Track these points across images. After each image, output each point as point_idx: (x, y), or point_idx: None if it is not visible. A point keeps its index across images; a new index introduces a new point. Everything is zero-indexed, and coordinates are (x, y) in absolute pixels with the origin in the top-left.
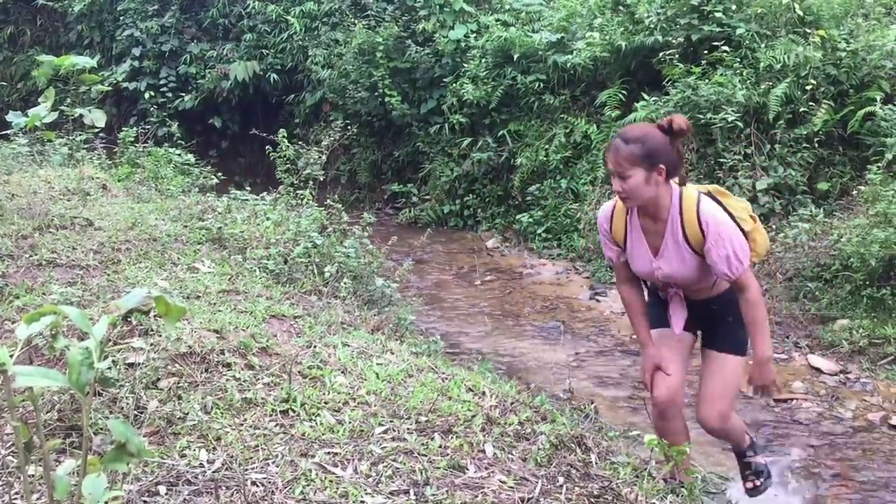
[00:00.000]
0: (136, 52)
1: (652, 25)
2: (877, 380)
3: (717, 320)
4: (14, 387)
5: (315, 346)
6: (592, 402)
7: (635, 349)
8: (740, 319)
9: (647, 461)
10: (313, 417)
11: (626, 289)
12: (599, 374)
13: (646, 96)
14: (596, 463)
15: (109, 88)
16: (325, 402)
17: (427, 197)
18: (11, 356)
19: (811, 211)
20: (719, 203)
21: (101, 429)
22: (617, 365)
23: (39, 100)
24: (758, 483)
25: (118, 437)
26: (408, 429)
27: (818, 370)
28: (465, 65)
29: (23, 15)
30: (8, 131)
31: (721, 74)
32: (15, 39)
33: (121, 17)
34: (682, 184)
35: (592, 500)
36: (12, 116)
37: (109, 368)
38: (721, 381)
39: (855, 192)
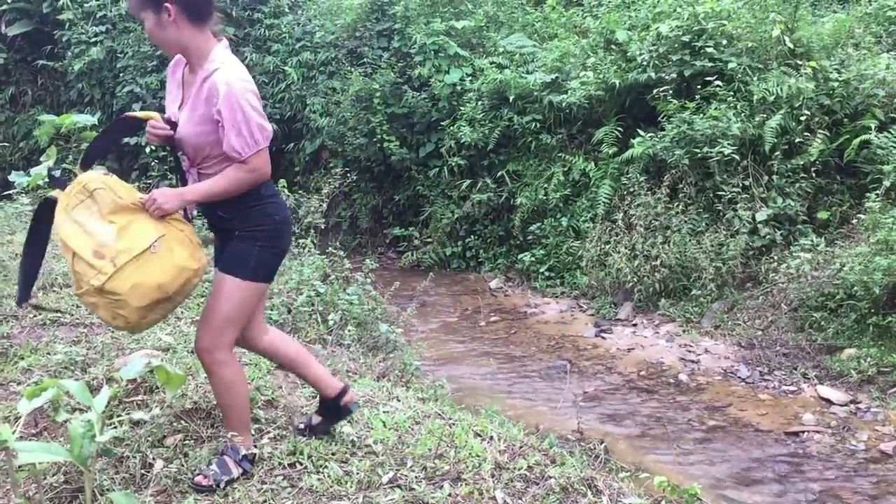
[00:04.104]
0: (137, 107)
1: (644, 63)
2: (887, 409)
3: (227, 234)
4: (17, 463)
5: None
6: (602, 442)
7: (644, 385)
8: (252, 237)
9: (659, 502)
10: (321, 470)
11: None
12: (608, 413)
13: (642, 132)
14: None
15: None
16: (332, 454)
17: (429, 240)
18: (14, 431)
19: (812, 240)
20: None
21: (107, 490)
22: (626, 402)
23: (41, 158)
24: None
25: None
26: (416, 477)
27: (828, 401)
28: (462, 108)
29: (24, 75)
30: (11, 191)
31: (715, 108)
32: (16, 100)
33: (120, 74)
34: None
35: None
36: (15, 176)
37: (115, 429)
38: (212, 302)
39: (855, 220)
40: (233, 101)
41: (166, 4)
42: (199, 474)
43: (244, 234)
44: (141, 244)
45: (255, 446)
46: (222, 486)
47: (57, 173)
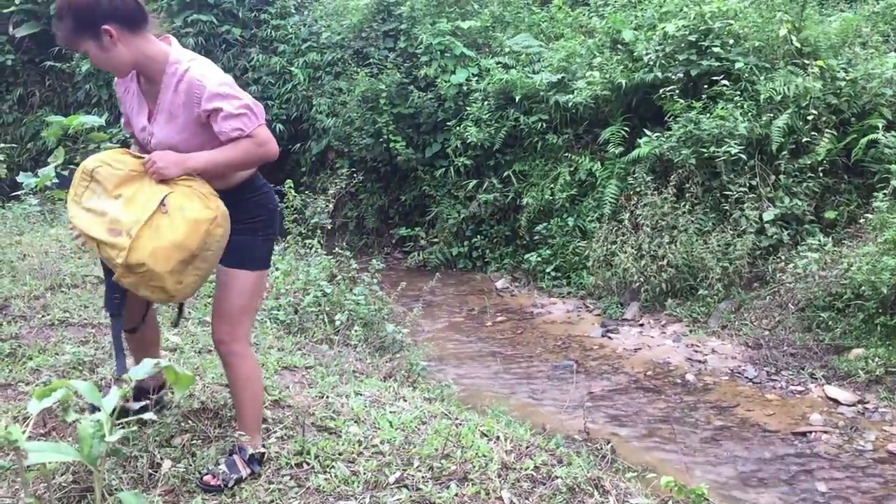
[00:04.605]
0: None
1: (651, 62)
2: (895, 409)
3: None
4: (27, 463)
5: (328, 397)
6: (609, 442)
7: (651, 386)
8: (252, 229)
9: (666, 502)
10: (328, 469)
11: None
12: (615, 413)
13: (648, 132)
14: None
15: (117, 145)
16: (340, 454)
17: (435, 240)
18: (24, 431)
19: (819, 240)
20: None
21: (116, 489)
22: (633, 402)
23: (49, 159)
24: (225, 479)
25: None
26: (423, 477)
27: (835, 401)
28: (468, 108)
29: (31, 77)
30: (19, 192)
31: (722, 108)
32: (24, 101)
33: None
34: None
35: None
36: (23, 177)
37: (123, 429)
38: (224, 296)
39: (862, 219)
40: (221, 90)
41: (104, 27)
42: (207, 473)
43: (243, 226)
44: (150, 208)
45: (263, 446)
46: (230, 485)
47: (66, 173)
